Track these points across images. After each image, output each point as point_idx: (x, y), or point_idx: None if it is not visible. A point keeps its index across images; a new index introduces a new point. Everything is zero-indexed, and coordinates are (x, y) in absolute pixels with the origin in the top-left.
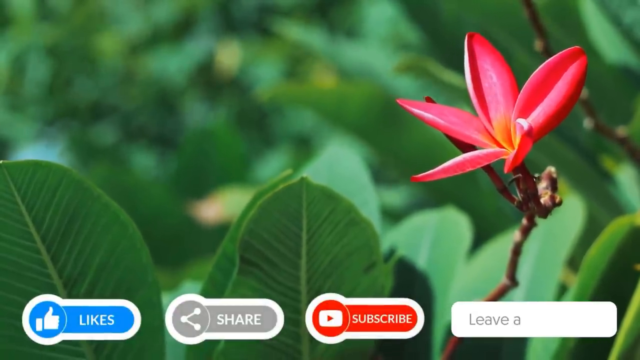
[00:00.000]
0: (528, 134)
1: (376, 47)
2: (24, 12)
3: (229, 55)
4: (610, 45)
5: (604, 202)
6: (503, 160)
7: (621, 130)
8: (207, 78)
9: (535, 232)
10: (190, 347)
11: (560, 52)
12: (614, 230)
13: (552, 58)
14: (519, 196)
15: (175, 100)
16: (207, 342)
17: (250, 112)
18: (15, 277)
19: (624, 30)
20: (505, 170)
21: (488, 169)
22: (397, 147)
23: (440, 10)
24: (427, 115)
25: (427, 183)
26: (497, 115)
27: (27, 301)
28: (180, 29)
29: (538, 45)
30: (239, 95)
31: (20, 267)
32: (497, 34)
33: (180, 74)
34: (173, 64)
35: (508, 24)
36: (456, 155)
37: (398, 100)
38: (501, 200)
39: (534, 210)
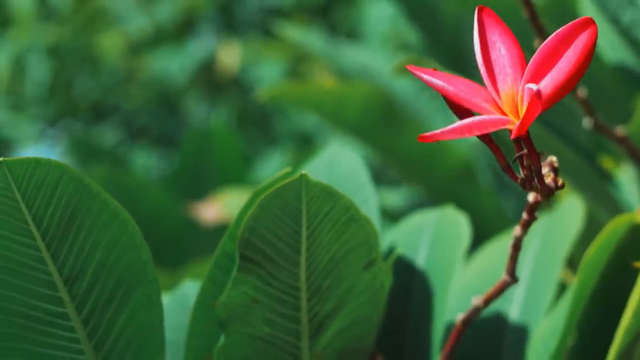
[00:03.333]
0: (537, 95)
1: (376, 47)
2: (25, 12)
3: (231, 55)
4: (608, 45)
5: (603, 201)
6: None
7: (620, 130)
8: (209, 78)
9: (535, 231)
10: (189, 345)
11: (571, 22)
12: (613, 228)
13: (562, 28)
14: (522, 174)
15: (177, 100)
16: (207, 340)
17: (251, 112)
18: (14, 275)
19: (622, 30)
20: (512, 136)
21: (492, 145)
22: (397, 147)
23: (440, 10)
24: (436, 81)
25: (427, 183)
26: (504, 86)
27: (27, 299)
28: (182, 29)
29: (537, 44)
30: (240, 95)
31: (20, 265)
32: None
33: (182, 74)
34: (174, 64)
35: (507, 24)
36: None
37: (408, 67)
38: (501, 201)
39: (537, 188)
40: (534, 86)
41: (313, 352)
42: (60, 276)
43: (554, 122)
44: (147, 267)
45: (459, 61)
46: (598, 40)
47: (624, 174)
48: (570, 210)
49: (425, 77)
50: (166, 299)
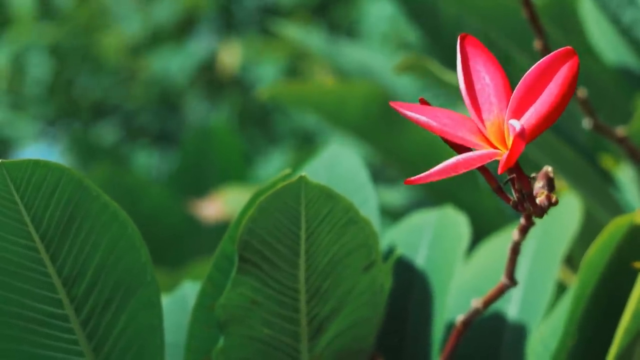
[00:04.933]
0: (520, 135)
1: (376, 46)
2: (25, 11)
3: (231, 54)
4: (609, 45)
5: (603, 201)
6: (498, 161)
7: (620, 130)
8: (209, 77)
9: (532, 231)
10: (189, 347)
11: (552, 53)
12: (613, 229)
13: (544, 59)
14: (514, 196)
15: (177, 99)
16: (207, 341)
17: (252, 111)
18: (14, 276)
19: (622, 30)
20: (499, 172)
21: (482, 169)
22: (397, 147)
23: (440, 10)
24: (420, 117)
25: (427, 183)
26: (490, 116)
27: (26, 300)
28: (182, 29)
29: (537, 44)
30: (241, 93)
31: (19, 266)
32: (496, 35)
33: (182, 74)
34: (175, 64)
35: (507, 25)
36: (455, 155)
37: (391, 103)
38: (500, 200)
39: (529, 210)
40: (517, 123)
41: (312, 353)
42: (60, 278)
43: (554, 122)
44: (146, 269)
45: None
46: (599, 40)
47: (624, 174)
48: (568, 209)
49: (409, 114)
50: (165, 300)
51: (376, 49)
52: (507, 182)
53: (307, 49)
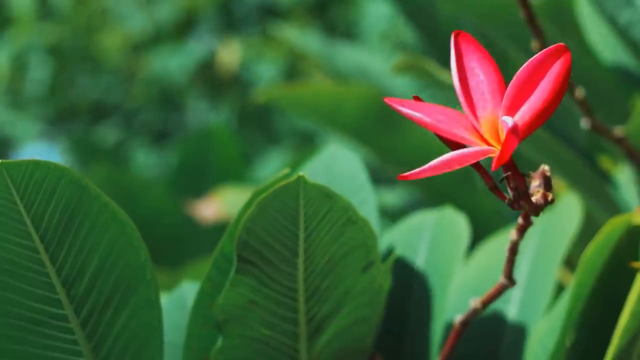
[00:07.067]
0: (513, 131)
1: (374, 47)
2: (25, 11)
3: (230, 54)
4: (606, 45)
5: (601, 201)
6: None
7: (618, 130)
8: (209, 76)
9: (532, 231)
10: (188, 346)
11: (544, 50)
12: (611, 229)
13: (536, 56)
14: (510, 194)
15: (177, 98)
16: (205, 341)
17: (252, 110)
18: (13, 276)
19: (619, 31)
20: (492, 169)
21: (478, 167)
22: (394, 149)
23: (437, 10)
24: (414, 113)
25: (425, 183)
26: (484, 113)
27: (25, 300)
28: (182, 29)
29: (534, 45)
30: (240, 93)
31: (19, 266)
32: (494, 35)
33: (182, 73)
34: (175, 63)
35: (504, 25)
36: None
37: (386, 99)
38: (498, 202)
39: (525, 208)
40: (509, 120)
41: (311, 353)
42: (59, 278)
43: (552, 123)
44: (145, 268)
45: None
46: (596, 40)
47: (622, 174)
48: (568, 209)
49: (404, 110)
50: (164, 300)
51: (374, 50)
52: (502, 180)
53: (304, 52)
